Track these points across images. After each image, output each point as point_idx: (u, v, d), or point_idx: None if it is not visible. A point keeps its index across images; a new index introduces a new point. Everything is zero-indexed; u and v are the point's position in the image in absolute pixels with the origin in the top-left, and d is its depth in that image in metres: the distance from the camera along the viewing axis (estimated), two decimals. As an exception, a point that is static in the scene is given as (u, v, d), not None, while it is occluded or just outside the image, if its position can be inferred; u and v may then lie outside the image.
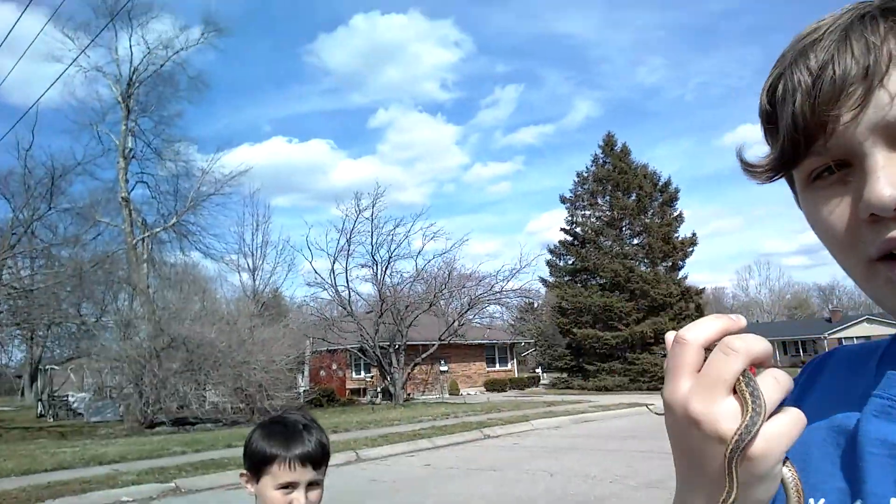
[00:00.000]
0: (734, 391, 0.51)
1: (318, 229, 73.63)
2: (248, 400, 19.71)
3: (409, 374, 26.80)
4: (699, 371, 0.51)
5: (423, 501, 7.57)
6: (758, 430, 0.49)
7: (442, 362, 33.46)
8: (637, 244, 34.39)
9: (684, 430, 0.52)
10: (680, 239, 33.91)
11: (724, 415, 0.50)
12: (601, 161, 35.87)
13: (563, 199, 36.89)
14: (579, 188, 36.31)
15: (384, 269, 27.24)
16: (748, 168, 0.63)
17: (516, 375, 38.42)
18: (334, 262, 27.18)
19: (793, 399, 0.70)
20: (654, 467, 9.60)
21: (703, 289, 35.49)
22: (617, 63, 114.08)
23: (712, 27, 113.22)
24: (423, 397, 30.33)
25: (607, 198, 35.09)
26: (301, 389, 25.78)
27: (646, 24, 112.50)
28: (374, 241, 27.19)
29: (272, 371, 19.97)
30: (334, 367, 31.39)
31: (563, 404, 21.25)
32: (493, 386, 35.17)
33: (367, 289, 34.72)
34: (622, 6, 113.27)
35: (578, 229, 35.72)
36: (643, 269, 33.52)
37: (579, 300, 33.65)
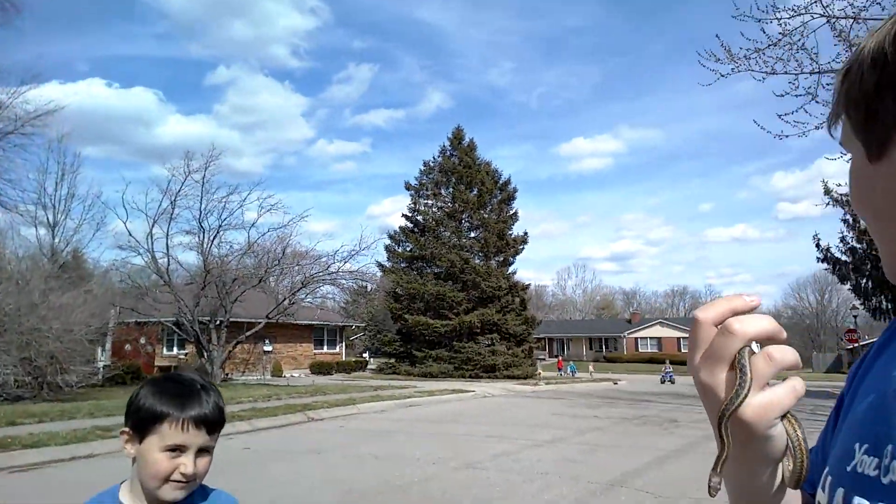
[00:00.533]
0: (732, 366, 0.58)
1: (137, 187, 66.42)
2: (36, 373, 17.27)
3: (229, 352, 25.09)
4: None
5: (242, 486, 7.13)
6: (741, 401, 0.57)
7: (267, 342, 32.06)
8: (474, 237, 35.61)
9: (700, 392, 0.62)
10: (513, 236, 35.72)
11: (720, 386, 0.59)
12: (448, 153, 36.60)
13: (408, 186, 37.09)
14: (425, 177, 36.73)
15: (212, 238, 25.10)
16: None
17: (344, 359, 38.08)
18: (153, 226, 24.47)
19: (876, 348, 0.73)
20: (474, 449, 9.93)
21: (529, 285, 37.74)
22: (472, 60, 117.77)
23: (562, 41, 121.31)
24: (244, 378, 28.76)
25: (451, 189, 35.89)
26: (101, 364, 23.11)
27: (504, 28, 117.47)
28: (203, 206, 24.88)
29: (68, 341, 17.69)
30: (143, 341, 28.64)
31: (389, 389, 21.38)
32: (320, 369, 34.51)
33: (191, 258, 32.06)
34: (484, 5, 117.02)
35: (420, 217, 36.14)
36: (477, 261, 34.80)
37: (414, 287, 34.07)
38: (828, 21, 9.79)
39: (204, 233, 25.12)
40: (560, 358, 46.47)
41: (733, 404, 0.57)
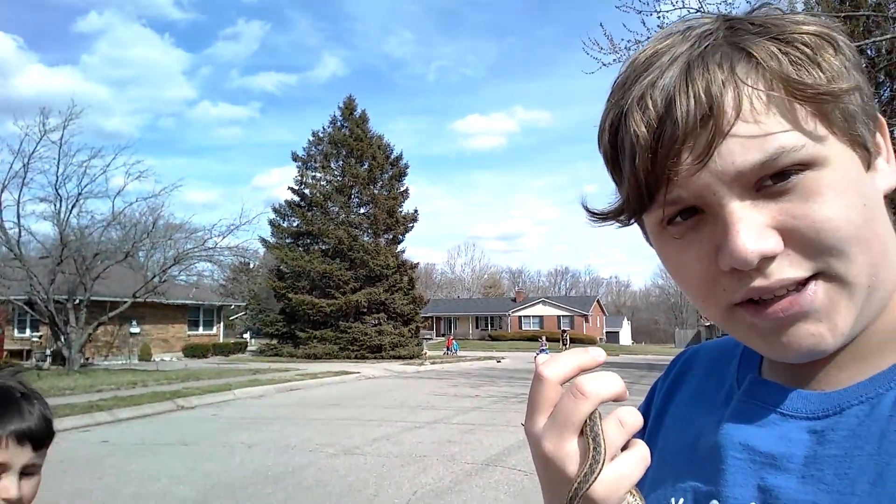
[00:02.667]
0: (582, 433, 0.53)
1: (-16, 149, 58.74)
2: None
3: (90, 335, 22.94)
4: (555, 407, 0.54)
5: (97, 484, 6.50)
6: (596, 477, 0.51)
7: (134, 323, 29.69)
8: (363, 214, 35.08)
9: (541, 463, 0.55)
10: (403, 213, 35.60)
11: (571, 457, 0.52)
12: (339, 124, 35.62)
13: (295, 157, 35.77)
14: (314, 148, 35.56)
15: (70, 206, 22.71)
16: (597, 216, 0.62)
17: (222, 341, 36.17)
18: (2, 191, 21.79)
19: (664, 392, 0.79)
20: (354, 434, 9.79)
21: (417, 263, 37.90)
22: (370, 26, 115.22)
23: (461, 15, 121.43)
24: (107, 363, 26.59)
25: (340, 163, 35.04)
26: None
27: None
28: (61, 171, 22.41)
29: None
30: (-11, 321, 25.55)
31: (270, 372, 20.69)
32: (194, 351, 32.51)
33: (45, 228, 28.96)
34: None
35: (307, 191, 35.00)
36: (366, 238, 34.38)
37: (300, 264, 33.06)
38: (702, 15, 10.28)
39: (61, 201, 22.66)
40: (450, 337, 47.15)
41: (587, 481, 0.51)
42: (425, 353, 33.03)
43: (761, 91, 0.52)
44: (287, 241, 34.88)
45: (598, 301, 71.82)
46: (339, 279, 32.94)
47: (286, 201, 35.42)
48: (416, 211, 36.25)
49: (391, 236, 35.32)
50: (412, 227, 36.05)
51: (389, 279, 33.70)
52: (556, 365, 0.54)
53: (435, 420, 11.17)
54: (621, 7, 10.70)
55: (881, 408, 0.53)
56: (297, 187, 35.41)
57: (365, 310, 32.76)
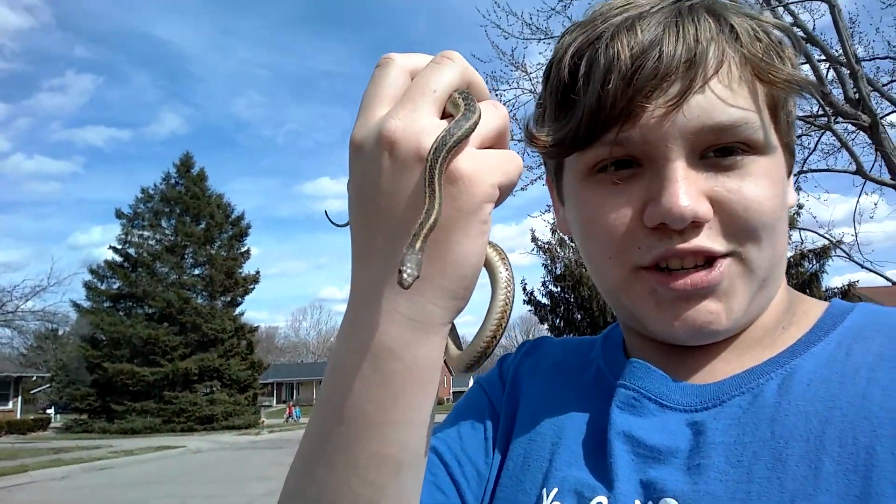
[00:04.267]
0: (445, 114, 0.44)
1: None
2: None
3: None
4: None
5: None
6: (469, 130, 0.42)
7: None
8: (198, 275, 32.89)
9: (373, 164, 0.43)
10: (244, 275, 33.98)
11: (430, 130, 0.42)
12: (174, 181, 33.60)
13: (119, 214, 32.96)
14: (142, 205, 33.08)
15: None
16: (534, 139, 0.60)
17: (19, 417, 31.16)
18: None
19: (513, 369, 0.74)
20: None
21: (257, 327, 36.08)
22: (216, 86, 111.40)
23: (312, 82, 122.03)
24: None
25: (173, 221, 32.84)
26: None
27: (252, 59, 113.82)
28: None
29: None
30: None
31: (76, 450, 18.33)
32: (-19, 431, 27.61)
33: None
34: (233, 32, 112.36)
35: (132, 250, 32.21)
36: (200, 301, 32.14)
37: (119, 330, 29.90)
38: (532, 97, 11.34)
39: None
40: (291, 403, 44.80)
41: (460, 128, 0.41)
42: (262, 422, 31.08)
43: (736, 62, 0.52)
44: (105, 304, 31.55)
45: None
46: (165, 345, 30.19)
47: (106, 261, 32.29)
48: (257, 272, 34.81)
49: (229, 298, 33.40)
50: (253, 288, 34.48)
51: (225, 344, 31.57)
52: (410, 54, 0.46)
53: (269, 492, 10.42)
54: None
55: (765, 396, 0.54)
56: (120, 246, 32.49)
57: (196, 377, 30.20)
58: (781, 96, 0.56)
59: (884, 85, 8.74)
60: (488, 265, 0.51)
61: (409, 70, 0.45)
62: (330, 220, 0.63)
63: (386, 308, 0.45)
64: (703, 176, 0.53)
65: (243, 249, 34.46)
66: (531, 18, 9.03)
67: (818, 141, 8.68)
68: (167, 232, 32.82)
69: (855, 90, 7.70)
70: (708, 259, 0.54)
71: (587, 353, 0.71)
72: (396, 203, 0.43)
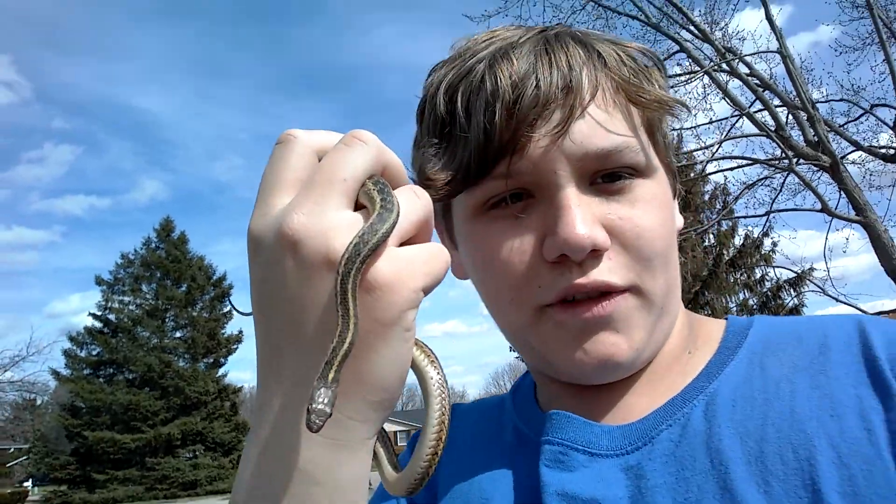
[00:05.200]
0: (357, 205, 0.38)
1: None
2: None
3: None
4: None
5: None
6: (387, 232, 0.36)
7: None
8: (179, 338, 32.34)
9: (275, 265, 0.37)
10: (226, 335, 33.43)
11: (339, 228, 0.36)
12: (154, 245, 33.41)
13: (99, 281, 32.54)
14: (122, 271, 32.74)
15: None
16: (427, 181, 0.55)
17: (-7, 493, 29.88)
18: None
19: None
20: None
21: (241, 387, 35.32)
22: (194, 152, 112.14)
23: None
24: None
25: (153, 285, 32.50)
26: None
27: (231, 123, 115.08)
28: None
29: None
30: None
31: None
32: (-47, 510, 26.45)
33: None
34: (211, 98, 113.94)
35: (113, 316, 31.68)
36: (182, 364, 31.48)
37: (99, 398, 29.10)
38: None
39: None
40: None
41: (375, 233, 0.35)
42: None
43: (610, 87, 0.53)
44: (84, 372, 30.78)
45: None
46: (147, 410, 29.39)
47: (86, 328, 31.65)
48: (240, 332, 34.27)
49: (212, 360, 32.77)
50: (236, 348, 33.90)
51: (208, 406, 30.80)
52: (318, 133, 0.41)
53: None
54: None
55: (693, 424, 0.53)
56: (100, 313, 31.96)
57: (178, 442, 29.31)
58: (656, 118, 0.57)
59: (840, 125, 9.21)
60: (416, 370, 0.45)
61: (314, 150, 0.40)
62: (235, 308, 0.56)
63: (301, 429, 0.38)
64: (596, 201, 0.53)
65: (225, 310, 34.07)
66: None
67: (783, 182, 9.06)
68: (148, 296, 32.43)
69: (813, 133, 8.11)
70: (608, 291, 0.53)
71: (500, 416, 0.67)
72: (304, 313, 0.37)
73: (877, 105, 9.16)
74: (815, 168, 8.34)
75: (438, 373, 0.45)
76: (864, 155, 9.19)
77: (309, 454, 0.40)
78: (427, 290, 0.40)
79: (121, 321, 31.43)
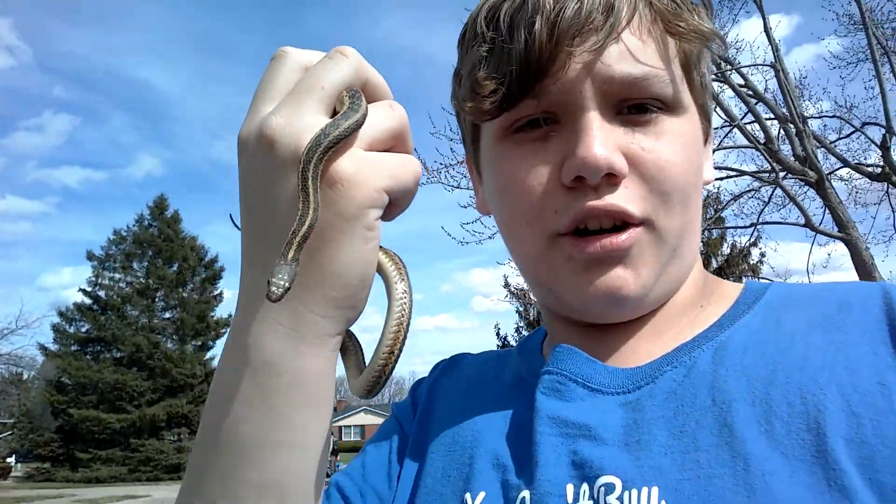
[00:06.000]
0: (335, 113, 0.42)
1: None
2: None
3: None
4: None
5: None
6: (349, 128, 0.39)
7: None
8: (169, 318, 32.30)
9: (254, 163, 0.42)
10: (216, 318, 33.40)
11: (312, 129, 0.40)
12: (147, 223, 33.24)
13: (90, 256, 32.41)
14: (114, 247, 32.57)
15: None
16: (472, 97, 0.54)
17: (-24, 466, 29.94)
18: None
19: (428, 387, 0.70)
20: None
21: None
22: (195, 129, 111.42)
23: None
24: None
25: (145, 263, 32.39)
26: None
27: (234, 103, 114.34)
28: None
29: None
30: None
31: (38, 500, 17.76)
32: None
33: None
34: (215, 77, 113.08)
35: (102, 293, 31.57)
36: (170, 345, 31.48)
37: (85, 375, 29.08)
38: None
39: None
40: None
41: (337, 127, 0.39)
42: (232, 472, 30.08)
43: (647, 15, 0.53)
44: (72, 348, 30.75)
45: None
46: (133, 390, 29.42)
47: (76, 304, 31.57)
48: (230, 315, 34.11)
49: (200, 342, 32.75)
50: (225, 332, 33.82)
51: (195, 389, 30.81)
52: (308, 52, 0.45)
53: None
54: (434, 134, 11.89)
55: (700, 366, 0.52)
56: (90, 289, 31.85)
57: (163, 424, 29.37)
58: (693, 53, 0.56)
59: (831, 142, 9.28)
60: (383, 276, 0.48)
61: (303, 65, 0.44)
62: (234, 222, 0.61)
63: (266, 318, 0.43)
64: (620, 130, 0.53)
65: (216, 293, 34.01)
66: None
67: (771, 195, 9.13)
68: (138, 274, 32.34)
69: (802, 148, 8.18)
70: (623, 223, 0.53)
71: (504, 363, 0.69)
72: (275, 206, 0.41)
73: (867, 123, 9.23)
74: (802, 182, 8.41)
75: (403, 281, 0.48)
76: (852, 172, 9.27)
77: (271, 344, 0.43)
78: (393, 194, 0.43)
79: (110, 298, 31.35)
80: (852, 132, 9.31)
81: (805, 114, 8.69)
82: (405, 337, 0.48)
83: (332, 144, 0.39)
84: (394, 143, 0.45)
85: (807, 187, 8.61)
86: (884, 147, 8.19)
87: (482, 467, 0.56)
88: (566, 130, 0.53)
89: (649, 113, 0.53)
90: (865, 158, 9.54)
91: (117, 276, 32.23)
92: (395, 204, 0.45)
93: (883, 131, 8.25)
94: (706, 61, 0.59)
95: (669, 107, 0.54)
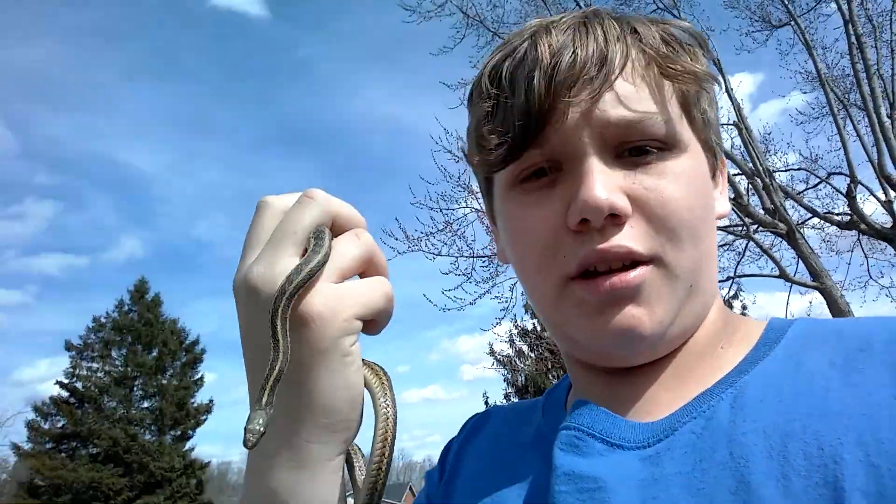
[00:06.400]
0: (305, 250, 0.46)
1: None
2: None
3: None
4: None
5: None
6: (313, 269, 0.43)
7: None
8: (147, 408, 31.15)
9: (245, 309, 0.47)
10: (195, 405, 32.28)
11: (287, 272, 0.44)
12: (127, 308, 32.62)
13: (69, 346, 31.52)
14: (93, 335, 31.77)
15: None
16: (480, 146, 0.58)
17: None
18: None
19: (457, 448, 0.72)
20: None
21: (209, 462, 33.83)
22: (178, 208, 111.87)
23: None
24: None
25: (123, 351, 31.52)
26: None
27: (216, 181, 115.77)
28: None
29: None
30: None
31: None
32: None
33: None
34: (197, 155, 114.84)
35: (80, 384, 30.52)
36: (148, 437, 30.21)
37: (59, 475, 27.64)
38: (477, 216, 11.75)
39: None
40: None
41: (299, 273, 0.42)
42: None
43: (641, 60, 0.55)
44: (47, 445, 29.38)
45: (410, 488, 68.83)
46: (109, 489, 27.91)
47: (52, 398, 30.37)
48: (210, 401, 33.20)
49: (179, 432, 31.47)
50: (205, 419, 32.65)
51: (174, 483, 29.33)
52: (285, 197, 0.49)
53: None
54: (415, 204, 11.92)
55: (718, 417, 0.51)
56: (67, 381, 30.81)
57: (141, 523, 27.80)
58: (692, 92, 0.57)
59: (798, 193, 9.40)
60: (369, 391, 0.51)
61: (281, 210, 0.48)
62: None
63: (268, 454, 0.47)
64: (622, 173, 0.54)
65: (196, 377, 33.00)
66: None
67: (745, 248, 9.14)
68: (117, 362, 31.41)
69: (770, 201, 8.24)
70: (633, 262, 0.54)
71: (528, 417, 0.68)
72: (262, 349, 0.44)
73: (833, 173, 9.40)
74: (774, 234, 8.43)
75: (385, 393, 0.51)
76: (822, 221, 9.34)
77: (276, 476, 0.48)
78: (363, 318, 0.47)
79: (87, 389, 30.31)
80: (818, 183, 9.47)
81: (771, 168, 8.85)
82: (392, 450, 0.51)
83: (296, 290, 0.42)
84: (364, 268, 0.49)
85: (779, 239, 8.63)
86: (849, 196, 8.29)
87: None
88: (570, 176, 0.55)
89: (649, 154, 0.55)
90: (834, 207, 9.65)
91: (95, 365, 31.31)
92: (375, 322, 0.50)
93: (848, 181, 8.37)
94: (708, 98, 0.60)
95: (668, 146, 0.55)
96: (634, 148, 0.54)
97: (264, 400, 0.42)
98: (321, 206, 0.47)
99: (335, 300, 0.45)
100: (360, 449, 0.52)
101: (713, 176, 0.61)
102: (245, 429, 0.41)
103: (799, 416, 0.48)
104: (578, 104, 0.53)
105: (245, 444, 0.41)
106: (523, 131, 0.54)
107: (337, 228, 0.48)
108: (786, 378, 0.52)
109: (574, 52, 0.53)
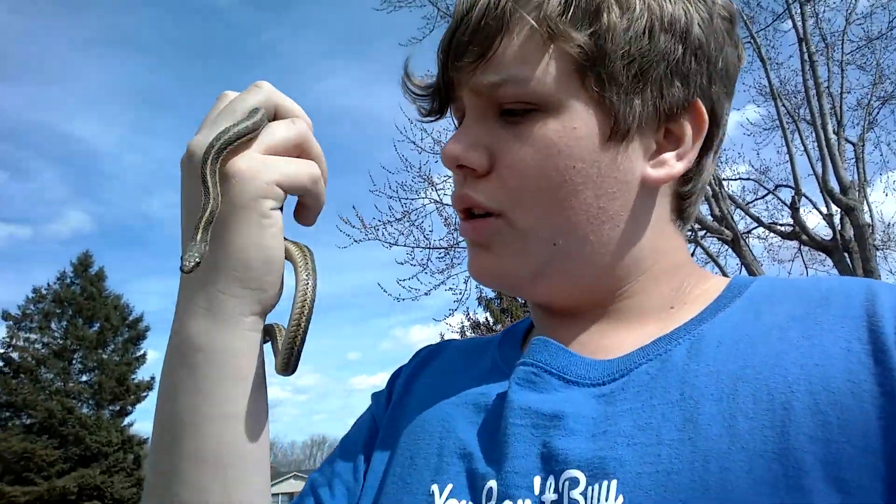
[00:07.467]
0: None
1: None
2: None
3: None
4: None
5: None
6: (238, 133, 0.48)
7: None
8: (85, 381, 30.22)
9: (183, 176, 0.52)
10: (136, 381, 31.47)
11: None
12: (69, 281, 31.49)
13: (6, 316, 30.26)
14: (32, 306, 30.58)
15: None
16: (421, 109, 0.65)
17: None
18: None
19: (407, 375, 0.72)
20: None
21: (147, 439, 33.03)
22: (129, 184, 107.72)
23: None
24: None
25: (64, 323, 30.46)
26: None
27: (169, 158, 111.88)
28: None
29: None
30: None
31: None
32: None
33: None
34: (151, 131, 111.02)
35: (16, 355, 29.38)
36: (85, 410, 29.33)
37: (-9, 444, 26.62)
38: (436, 207, 11.73)
39: None
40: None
41: (227, 132, 0.47)
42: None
43: (527, 25, 0.54)
44: (-23, 415, 28.26)
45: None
46: (42, 460, 27.03)
47: (-17, 368, 29.24)
48: (152, 378, 32.38)
49: (118, 407, 30.65)
50: (146, 396, 31.85)
51: (109, 458, 28.59)
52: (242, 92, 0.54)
53: None
54: (374, 192, 11.79)
55: (674, 360, 0.52)
56: (3, 350, 29.61)
57: (73, 497, 26.98)
58: (589, 50, 0.53)
59: (747, 203, 9.68)
60: (291, 262, 0.54)
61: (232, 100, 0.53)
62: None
63: (188, 303, 0.51)
64: (491, 131, 0.57)
65: (139, 354, 32.19)
66: (440, 136, 9.56)
67: (693, 252, 9.37)
68: (56, 335, 30.33)
69: (718, 208, 8.46)
70: (487, 213, 0.58)
71: (484, 351, 0.69)
72: (196, 213, 0.48)
73: (780, 185, 9.71)
74: (720, 241, 8.67)
75: (306, 265, 0.54)
76: (767, 231, 9.65)
77: (191, 324, 0.51)
78: (283, 187, 0.51)
79: (24, 360, 29.21)
80: (766, 194, 9.76)
81: (721, 176, 9.05)
82: (310, 315, 0.54)
83: (224, 146, 0.47)
84: (297, 153, 0.53)
85: (725, 246, 8.88)
86: (793, 208, 8.58)
87: (450, 458, 0.57)
88: None
89: (516, 115, 0.56)
90: (779, 218, 9.98)
91: (33, 336, 30.17)
92: (304, 204, 0.55)
93: (793, 193, 8.66)
94: (617, 56, 0.54)
95: (540, 107, 0.55)
96: (508, 110, 0.56)
97: (199, 237, 0.46)
98: (265, 94, 0.52)
99: (259, 163, 0.49)
100: (283, 327, 0.54)
101: (612, 136, 0.56)
102: (181, 257, 0.45)
103: (753, 364, 0.49)
104: (461, 70, 0.57)
105: (182, 269, 0.44)
106: (439, 93, 0.62)
107: (279, 117, 0.53)
108: (744, 328, 0.53)
109: (468, 17, 0.56)
